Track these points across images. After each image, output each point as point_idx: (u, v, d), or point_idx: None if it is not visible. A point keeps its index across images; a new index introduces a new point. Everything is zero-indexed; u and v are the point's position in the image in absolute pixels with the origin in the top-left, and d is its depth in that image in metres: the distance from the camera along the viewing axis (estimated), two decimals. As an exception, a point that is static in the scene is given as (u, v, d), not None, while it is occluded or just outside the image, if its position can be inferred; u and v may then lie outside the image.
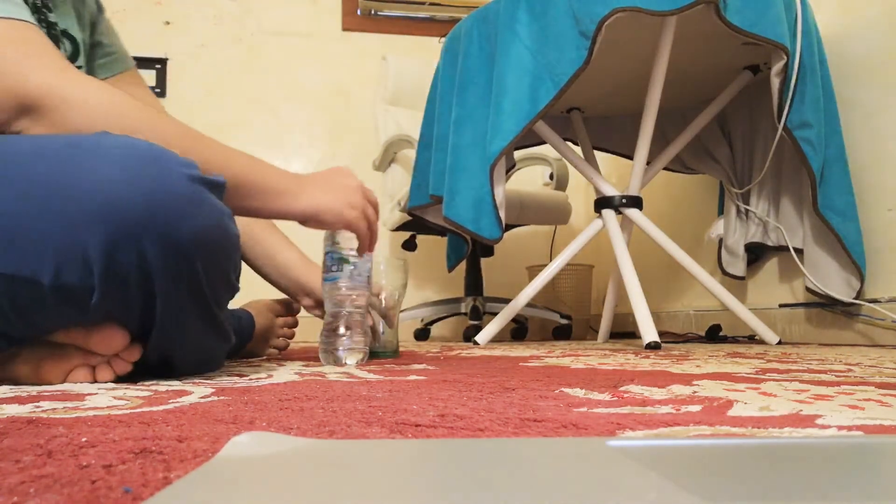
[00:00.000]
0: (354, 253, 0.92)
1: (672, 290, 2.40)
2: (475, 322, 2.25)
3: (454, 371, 0.80)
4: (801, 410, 0.42)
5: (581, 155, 1.95)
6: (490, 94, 1.54)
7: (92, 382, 0.64)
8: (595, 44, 1.38)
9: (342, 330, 0.93)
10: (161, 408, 0.45)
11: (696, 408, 0.44)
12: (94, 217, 0.56)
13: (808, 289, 1.67)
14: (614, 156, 2.23)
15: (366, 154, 2.60)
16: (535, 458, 0.24)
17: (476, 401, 0.48)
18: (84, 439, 0.31)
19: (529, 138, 1.96)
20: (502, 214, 1.55)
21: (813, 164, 1.52)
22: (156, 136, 0.65)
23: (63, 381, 0.64)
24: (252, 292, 1.20)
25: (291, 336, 1.19)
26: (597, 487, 0.20)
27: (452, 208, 1.56)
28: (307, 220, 0.82)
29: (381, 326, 1.06)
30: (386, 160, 2.36)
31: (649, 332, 1.41)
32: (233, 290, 0.73)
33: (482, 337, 1.67)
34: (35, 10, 0.77)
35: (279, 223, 0.93)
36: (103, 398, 0.51)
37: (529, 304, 2.01)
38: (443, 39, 1.81)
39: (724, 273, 1.98)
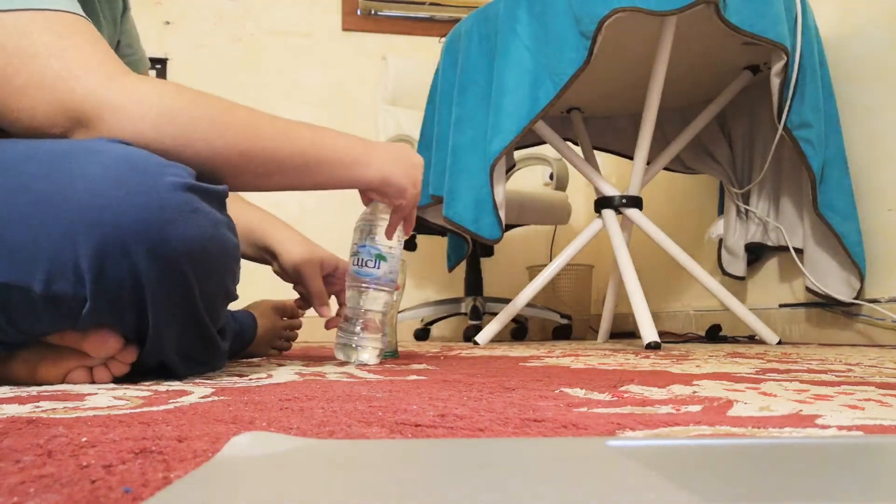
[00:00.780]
0: (391, 249, 0.89)
1: (672, 290, 2.40)
2: (475, 322, 2.25)
3: (454, 371, 0.80)
4: (801, 410, 0.42)
5: (581, 155, 1.95)
6: (490, 94, 1.54)
7: (90, 383, 0.64)
8: (595, 44, 1.39)
9: (360, 327, 0.89)
10: (161, 408, 0.45)
11: (696, 408, 0.44)
12: (84, 226, 0.55)
13: (808, 289, 1.67)
14: (614, 156, 2.23)
15: (366, 154, 2.60)
16: (535, 458, 0.24)
17: (476, 401, 0.48)
18: (84, 439, 0.31)
19: (529, 138, 1.96)
20: (502, 214, 1.55)
21: (813, 164, 1.52)
22: (214, 130, 0.65)
23: (61, 382, 0.64)
24: (254, 293, 1.20)
25: (294, 338, 1.19)
26: (597, 487, 0.20)
27: (452, 208, 1.57)
28: (373, 189, 0.82)
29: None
30: (386, 160, 2.36)
31: (649, 332, 1.41)
32: (230, 299, 0.72)
33: (482, 337, 1.67)
34: None
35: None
36: (103, 398, 0.51)
37: (529, 304, 2.01)
38: (443, 39, 1.81)
39: (724, 273, 1.98)
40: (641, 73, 1.66)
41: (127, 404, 0.47)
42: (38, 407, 0.46)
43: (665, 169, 1.98)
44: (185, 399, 0.50)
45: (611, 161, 2.59)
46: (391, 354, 1.07)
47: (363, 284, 0.89)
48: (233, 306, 0.91)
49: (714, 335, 1.90)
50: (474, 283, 2.39)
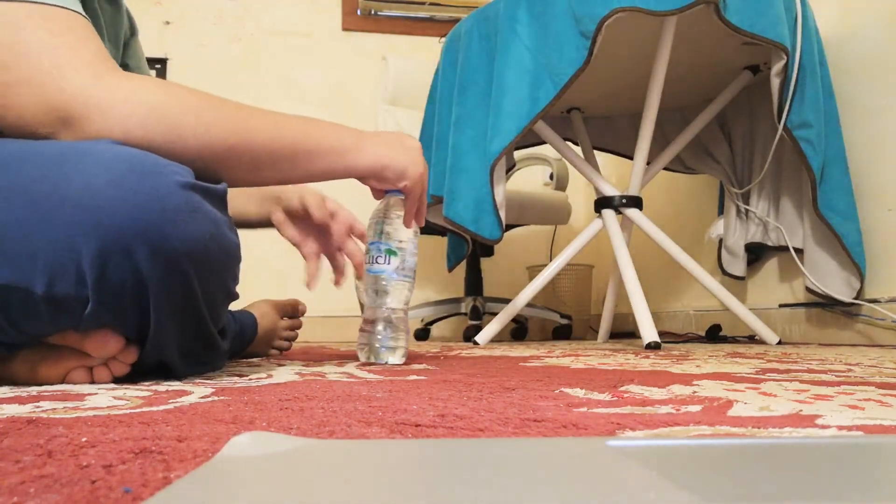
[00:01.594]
0: (401, 244, 0.87)
1: (672, 290, 2.40)
2: (475, 322, 2.25)
3: (454, 371, 0.80)
4: (801, 410, 0.42)
5: (581, 155, 1.95)
6: (490, 94, 1.54)
7: (90, 383, 0.64)
8: (595, 44, 1.39)
9: (381, 326, 0.88)
10: (161, 408, 0.45)
11: (696, 408, 0.44)
12: (85, 227, 0.55)
13: (808, 289, 1.67)
14: (614, 156, 2.23)
15: (366, 154, 2.60)
16: (535, 458, 0.24)
17: (476, 401, 0.48)
18: (84, 439, 0.31)
19: (529, 138, 1.96)
20: (502, 214, 1.55)
21: (813, 164, 1.52)
22: (202, 125, 0.64)
23: (61, 382, 0.64)
24: (255, 293, 1.20)
25: (294, 338, 1.19)
26: (597, 487, 0.20)
27: (453, 208, 1.57)
28: (370, 176, 0.80)
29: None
30: (386, 160, 2.36)
31: (649, 332, 1.41)
32: (231, 298, 0.72)
33: (482, 337, 1.67)
34: None
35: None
36: (103, 398, 0.51)
37: (529, 304, 2.01)
38: (443, 39, 1.81)
39: (724, 273, 1.98)
40: (641, 73, 1.66)
41: (127, 404, 0.47)
42: (38, 407, 0.46)
43: (665, 169, 1.98)
44: (185, 399, 0.50)
45: (611, 161, 2.59)
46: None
47: (378, 282, 0.88)
48: (233, 306, 0.91)
49: (714, 335, 1.90)
50: (474, 283, 2.39)
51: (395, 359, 0.89)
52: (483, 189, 1.53)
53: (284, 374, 0.76)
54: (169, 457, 0.27)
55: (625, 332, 2.47)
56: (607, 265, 2.46)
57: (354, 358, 1.08)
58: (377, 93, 2.55)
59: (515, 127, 1.47)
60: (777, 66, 1.51)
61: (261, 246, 1.47)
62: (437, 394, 0.53)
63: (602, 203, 1.71)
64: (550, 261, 1.86)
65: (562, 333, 2.49)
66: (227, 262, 0.66)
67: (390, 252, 0.87)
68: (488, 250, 2.47)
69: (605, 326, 2.05)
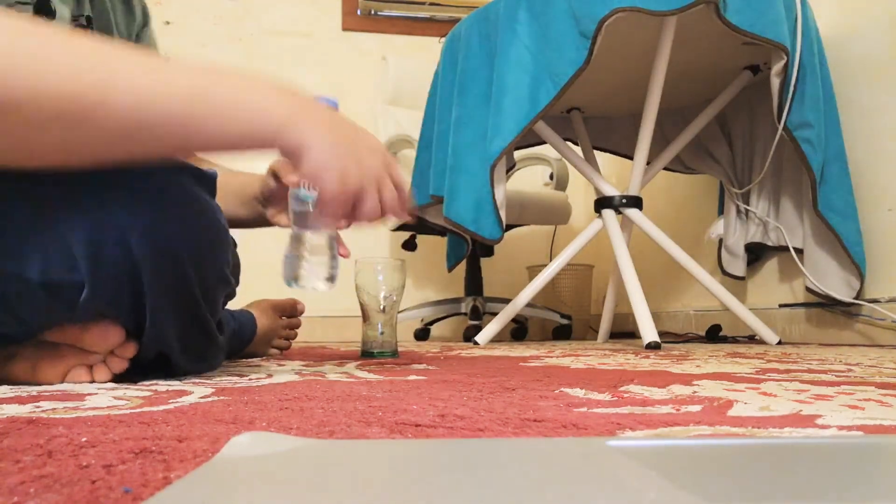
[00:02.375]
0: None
1: (672, 290, 2.40)
2: (475, 322, 2.25)
3: (454, 371, 0.80)
4: (801, 410, 0.42)
5: (581, 155, 1.95)
6: (490, 94, 1.54)
7: (90, 382, 0.64)
8: (595, 44, 1.38)
9: (307, 250, 0.73)
10: (161, 408, 0.45)
11: (696, 408, 0.44)
12: (77, 211, 0.56)
13: (808, 289, 1.67)
14: (614, 156, 2.23)
15: (366, 154, 2.60)
16: (535, 458, 0.24)
17: (476, 401, 0.48)
18: (84, 439, 0.31)
19: (529, 138, 1.96)
20: (502, 214, 1.55)
21: (813, 164, 1.52)
22: (33, 68, 0.47)
23: (61, 382, 0.64)
24: (254, 293, 1.20)
25: (293, 337, 1.19)
26: (597, 487, 0.20)
27: (453, 208, 1.56)
28: (284, 153, 0.58)
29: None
30: (386, 160, 2.36)
31: (649, 332, 1.41)
32: (227, 284, 0.71)
33: (482, 337, 1.67)
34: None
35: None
36: (103, 398, 0.51)
37: (529, 304, 2.01)
38: (443, 39, 1.81)
39: (724, 273, 1.98)
40: (641, 73, 1.66)
41: (127, 404, 0.47)
42: (38, 407, 0.46)
43: (665, 169, 1.98)
44: (185, 399, 0.50)
45: (611, 161, 2.59)
46: (391, 354, 1.07)
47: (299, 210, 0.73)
48: (232, 305, 0.91)
49: (714, 335, 1.90)
50: (474, 283, 2.39)
51: (319, 283, 0.73)
52: (483, 189, 1.53)
53: (284, 374, 0.76)
54: (169, 457, 0.27)
55: (625, 332, 2.47)
56: (607, 265, 2.46)
57: (355, 358, 1.08)
58: (377, 93, 2.55)
59: (515, 127, 1.47)
60: (777, 66, 1.51)
61: (259, 246, 1.47)
62: (437, 394, 0.53)
63: (602, 203, 1.71)
64: (550, 261, 1.86)
65: (562, 333, 2.49)
66: (219, 246, 0.66)
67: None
68: (488, 250, 2.46)
69: (605, 326, 2.05)
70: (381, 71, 2.55)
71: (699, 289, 2.13)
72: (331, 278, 0.74)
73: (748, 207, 1.88)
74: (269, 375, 0.74)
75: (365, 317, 1.08)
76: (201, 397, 0.52)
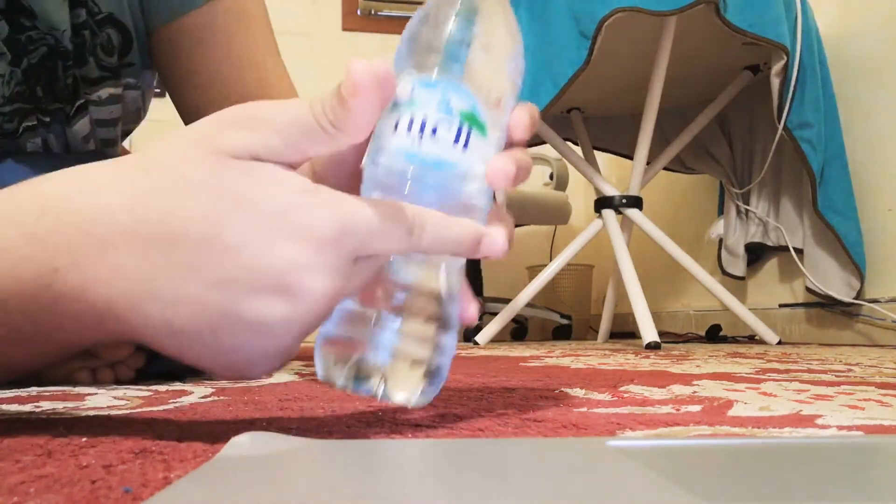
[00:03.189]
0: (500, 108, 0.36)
1: (672, 290, 2.40)
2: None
3: (454, 371, 0.80)
4: (801, 410, 0.42)
5: (581, 155, 1.95)
6: (490, 94, 1.54)
7: (93, 384, 0.64)
8: (595, 44, 1.38)
9: (387, 316, 0.33)
10: (161, 408, 0.45)
11: (696, 408, 0.44)
12: None
13: (808, 289, 1.67)
14: (614, 156, 2.23)
15: (366, 154, 2.60)
16: (535, 458, 0.24)
17: (476, 401, 0.48)
18: (84, 439, 0.31)
19: (529, 138, 1.95)
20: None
21: (813, 164, 1.52)
22: None
23: (63, 382, 0.64)
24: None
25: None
26: (597, 487, 0.20)
27: (452, 208, 1.56)
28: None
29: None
30: (386, 160, 2.37)
31: (649, 332, 1.41)
32: None
33: (482, 337, 1.67)
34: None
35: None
36: (103, 398, 0.51)
37: (529, 304, 2.01)
38: (443, 39, 1.81)
39: (724, 273, 1.98)
40: (641, 73, 1.66)
41: (127, 404, 0.47)
42: (38, 407, 0.46)
43: (665, 169, 1.98)
44: (185, 399, 0.50)
45: (611, 161, 2.59)
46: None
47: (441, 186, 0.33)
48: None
49: (714, 335, 1.90)
50: (474, 283, 2.39)
51: (406, 396, 0.34)
52: (483, 189, 1.53)
53: (284, 374, 0.76)
54: (169, 457, 0.27)
55: (625, 332, 2.47)
56: (607, 265, 2.46)
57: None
58: (377, 93, 2.55)
59: (515, 127, 1.47)
60: (777, 66, 1.51)
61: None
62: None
63: (602, 203, 1.71)
64: (550, 261, 1.86)
65: (562, 333, 2.49)
66: None
67: (471, 119, 0.33)
68: (488, 250, 2.46)
69: (605, 326, 2.05)
70: (381, 71, 2.55)
71: (699, 289, 2.13)
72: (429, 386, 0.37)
73: (748, 207, 1.88)
74: (269, 375, 0.74)
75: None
76: (201, 397, 0.52)
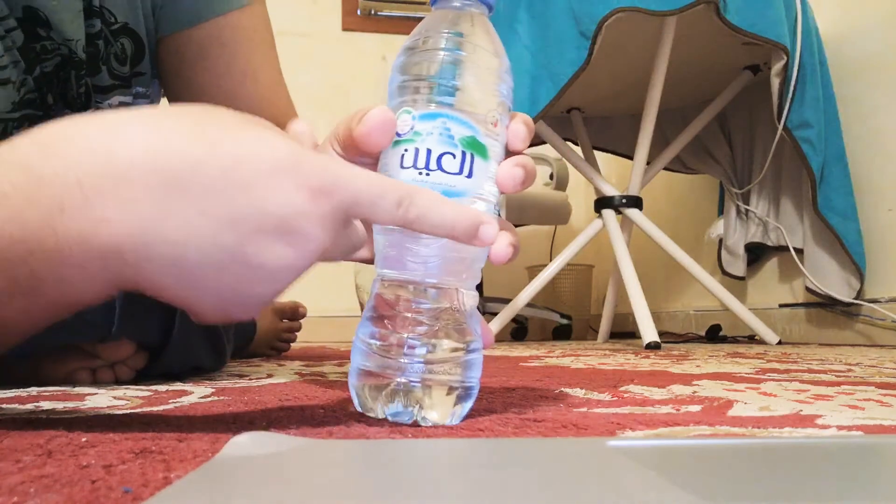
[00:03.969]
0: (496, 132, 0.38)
1: (672, 290, 2.40)
2: (475, 322, 2.25)
3: (454, 371, 0.80)
4: (801, 410, 0.42)
5: (581, 155, 1.95)
6: (490, 94, 1.54)
7: (93, 384, 0.64)
8: (595, 44, 1.38)
9: (416, 338, 0.35)
10: (161, 408, 0.45)
11: (696, 408, 0.44)
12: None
13: (808, 289, 1.67)
14: (614, 156, 2.23)
15: (366, 154, 2.60)
16: (535, 458, 0.24)
17: (476, 401, 0.48)
18: (84, 439, 0.31)
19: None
20: (503, 214, 1.55)
21: (813, 164, 1.52)
22: None
23: (63, 382, 0.64)
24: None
25: (293, 340, 1.19)
26: (597, 487, 0.20)
27: (452, 208, 1.56)
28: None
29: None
30: (386, 160, 2.37)
31: (649, 332, 1.41)
32: None
33: (482, 337, 1.67)
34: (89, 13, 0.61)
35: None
36: (103, 398, 0.51)
37: (529, 304, 2.01)
38: (443, 39, 1.81)
39: (724, 273, 1.98)
40: (641, 73, 1.66)
41: (127, 404, 0.47)
42: (38, 407, 0.46)
43: (665, 169, 1.98)
44: (185, 399, 0.50)
45: (611, 161, 2.59)
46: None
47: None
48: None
49: (714, 335, 1.90)
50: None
51: (440, 415, 0.35)
52: (483, 189, 1.53)
53: (284, 374, 0.76)
54: (169, 457, 0.27)
55: (625, 332, 2.47)
56: (607, 265, 2.46)
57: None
58: (377, 93, 2.55)
59: (515, 127, 1.47)
60: (777, 66, 1.51)
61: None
62: (437, 394, 0.53)
63: (602, 203, 1.71)
64: (550, 261, 1.86)
65: (562, 333, 2.49)
66: None
67: (473, 146, 0.35)
68: (488, 250, 2.46)
69: (605, 326, 2.05)
70: (382, 71, 2.55)
71: (699, 289, 2.13)
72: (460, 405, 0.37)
73: (748, 207, 1.88)
74: (269, 375, 0.74)
75: (365, 317, 1.07)
76: (201, 397, 0.52)
